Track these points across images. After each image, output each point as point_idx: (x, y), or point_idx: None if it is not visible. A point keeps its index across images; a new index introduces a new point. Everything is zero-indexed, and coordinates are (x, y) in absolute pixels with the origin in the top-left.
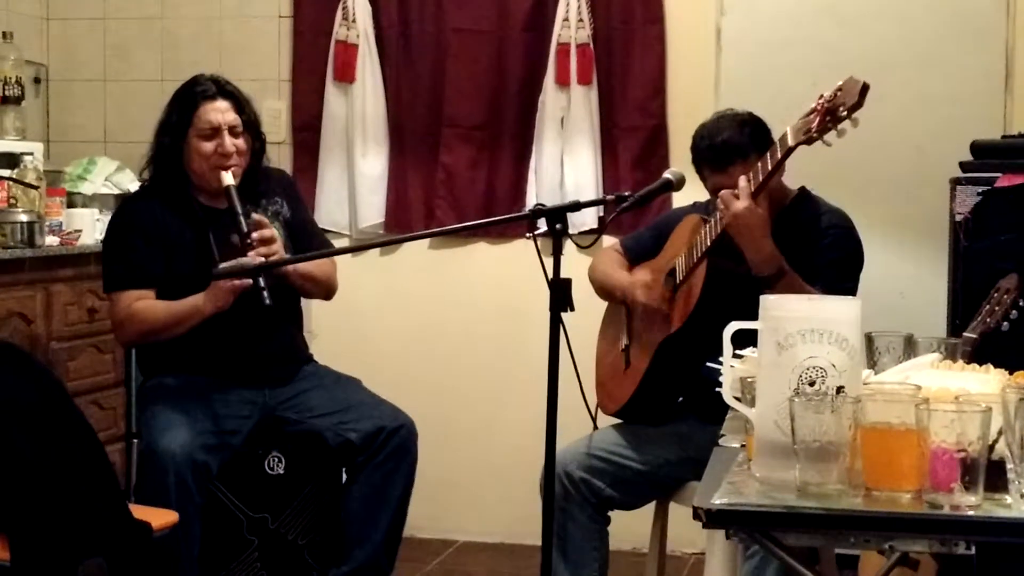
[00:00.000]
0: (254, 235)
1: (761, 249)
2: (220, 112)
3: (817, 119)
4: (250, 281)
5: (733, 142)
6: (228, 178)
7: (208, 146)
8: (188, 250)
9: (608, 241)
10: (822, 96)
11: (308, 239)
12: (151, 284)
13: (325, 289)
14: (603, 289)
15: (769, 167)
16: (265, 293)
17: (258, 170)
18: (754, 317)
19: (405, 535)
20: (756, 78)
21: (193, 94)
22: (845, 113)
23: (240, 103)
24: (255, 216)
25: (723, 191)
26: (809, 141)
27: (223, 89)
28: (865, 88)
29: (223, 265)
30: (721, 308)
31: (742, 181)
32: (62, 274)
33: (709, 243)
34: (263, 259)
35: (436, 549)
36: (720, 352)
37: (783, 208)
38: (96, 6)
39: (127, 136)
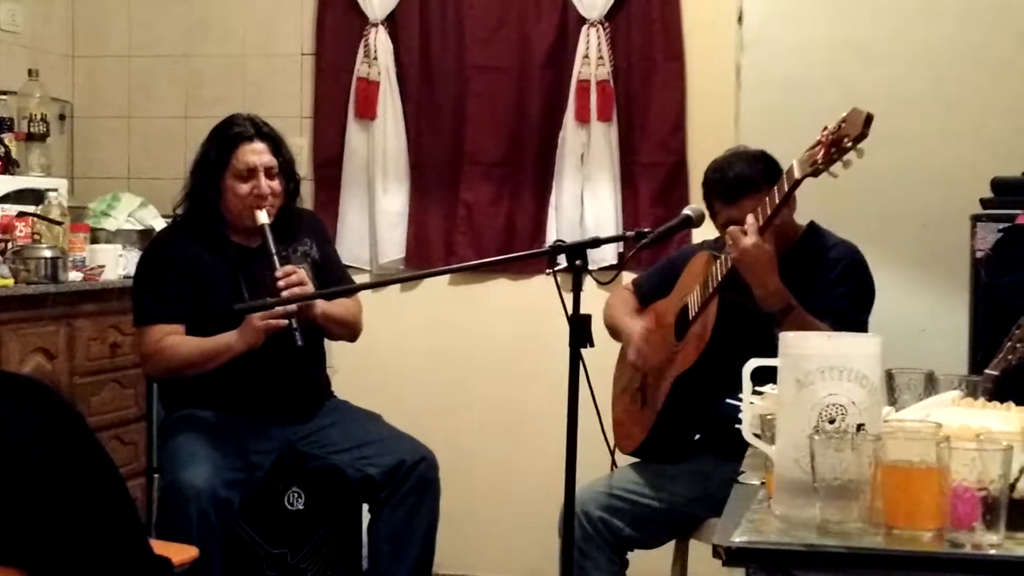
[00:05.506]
0: (281, 282)
1: (767, 285)
2: (257, 154)
3: (822, 151)
4: (285, 322)
5: (745, 175)
6: (263, 217)
7: (244, 187)
8: (219, 287)
9: (627, 277)
10: (826, 128)
11: (336, 281)
12: (181, 319)
13: (351, 331)
14: (612, 331)
15: (776, 201)
16: (297, 334)
17: (291, 211)
18: (768, 351)
19: None
20: (776, 114)
21: (232, 135)
22: (850, 144)
23: (276, 145)
24: (287, 267)
25: (731, 228)
26: (815, 173)
27: (260, 131)
28: (869, 118)
29: (251, 302)
30: (735, 343)
31: (750, 218)
32: (85, 309)
33: (720, 278)
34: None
35: None
36: (735, 387)
37: (792, 244)
38: (121, 43)
39: (151, 172)
